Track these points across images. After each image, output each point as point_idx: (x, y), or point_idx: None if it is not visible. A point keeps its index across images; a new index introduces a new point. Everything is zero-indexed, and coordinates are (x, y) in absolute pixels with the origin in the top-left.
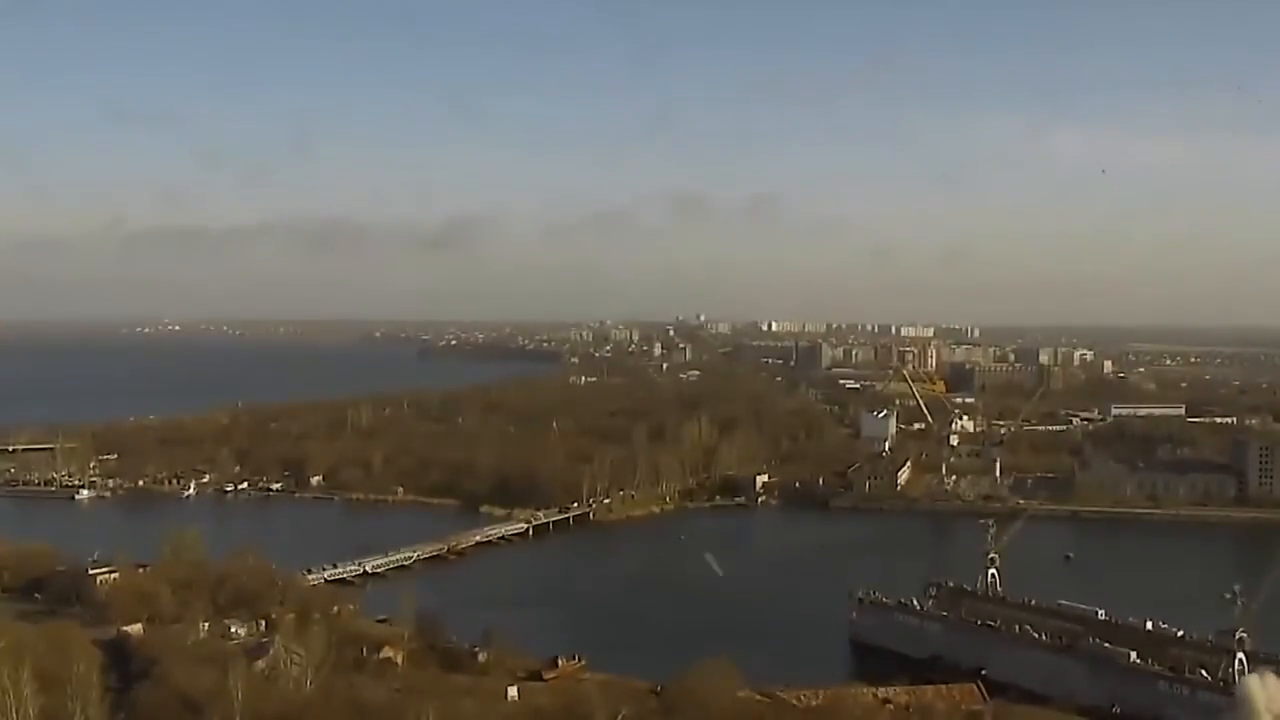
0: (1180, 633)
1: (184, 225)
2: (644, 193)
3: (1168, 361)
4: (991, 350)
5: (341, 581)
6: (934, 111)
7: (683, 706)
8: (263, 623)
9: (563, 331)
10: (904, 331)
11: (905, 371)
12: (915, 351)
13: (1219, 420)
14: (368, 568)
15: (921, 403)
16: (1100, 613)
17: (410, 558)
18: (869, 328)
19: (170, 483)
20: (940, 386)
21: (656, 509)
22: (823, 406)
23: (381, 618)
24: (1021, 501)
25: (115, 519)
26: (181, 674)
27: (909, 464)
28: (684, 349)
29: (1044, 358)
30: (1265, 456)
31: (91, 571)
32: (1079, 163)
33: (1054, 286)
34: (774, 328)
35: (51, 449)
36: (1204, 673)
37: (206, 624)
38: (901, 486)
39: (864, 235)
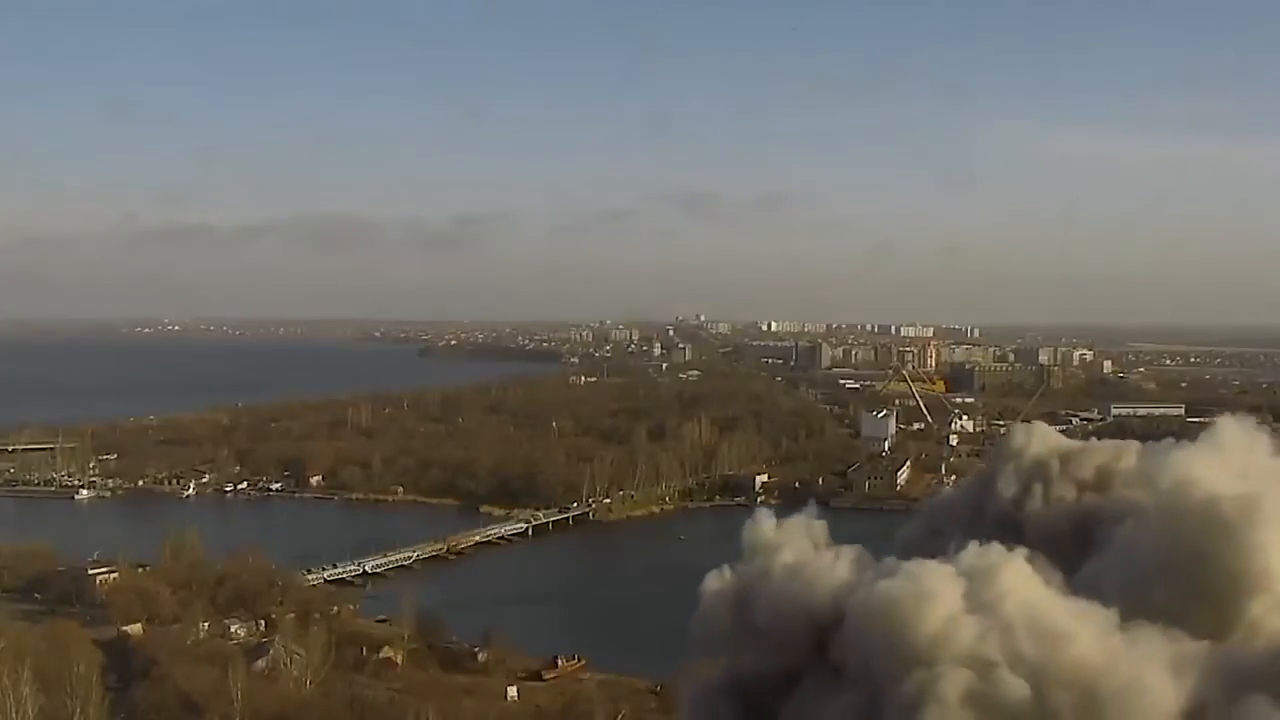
0: None
1: (189, 224)
2: (647, 193)
3: (1168, 361)
4: (991, 350)
5: (341, 581)
6: (934, 111)
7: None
8: (263, 623)
9: (563, 331)
10: (904, 331)
11: (905, 371)
12: (915, 351)
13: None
14: (368, 568)
15: (921, 403)
16: None
17: (410, 558)
18: (869, 328)
19: (170, 483)
20: (940, 386)
21: (656, 509)
22: (823, 406)
23: (381, 618)
24: None
25: (115, 519)
26: (181, 674)
27: (909, 464)
28: (684, 349)
29: (1044, 358)
30: None
31: (91, 571)
32: (1079, 163)
33: (1054, 286)
34: (774, 328)
35: (51, 449)
36: None
37: (206, 624)
38: (901, 486)
39: (864, 235)
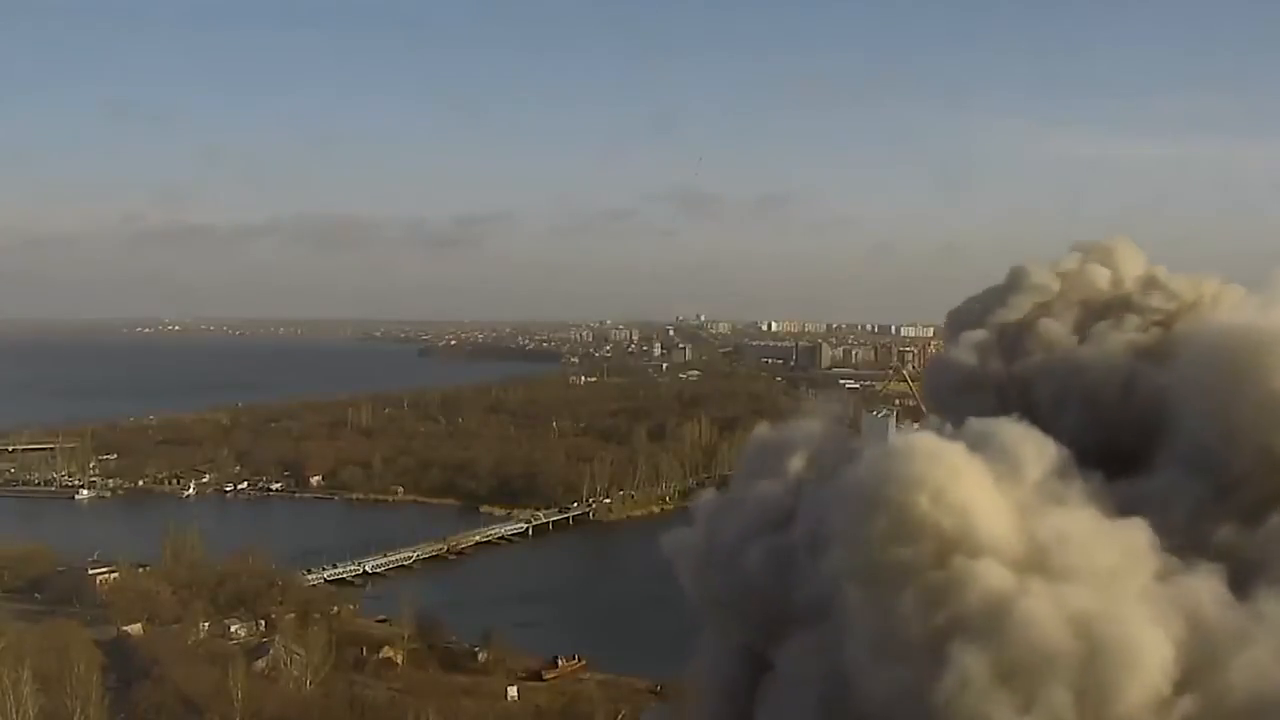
0: None
1: (189, 224)
2: (647, 193)
3: None
4: None
5: (341, 581)
6: (934, 111)
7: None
8: (263, 623)
9: (563, 331)
10: (904, 331)
11: (905, 371)
12: (915, 351)
13: None
14: (368, 568)
15: (922, 403)
16: None
17: (410, 558)
18: (869, 327)
19: (170, 483)
20: None
21: (657, 509)
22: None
23: (381, 618)
24: None
25: (115, 519)
26: (181, 674)
27: None
28: (684, 349)
29: None
30: None
31: (91, 571)
32: (1079, 163)
33: None
34: (774, 328)
35: (51, 449)
36: None
37: (206, 624)
38: None
39: (864, 235)
